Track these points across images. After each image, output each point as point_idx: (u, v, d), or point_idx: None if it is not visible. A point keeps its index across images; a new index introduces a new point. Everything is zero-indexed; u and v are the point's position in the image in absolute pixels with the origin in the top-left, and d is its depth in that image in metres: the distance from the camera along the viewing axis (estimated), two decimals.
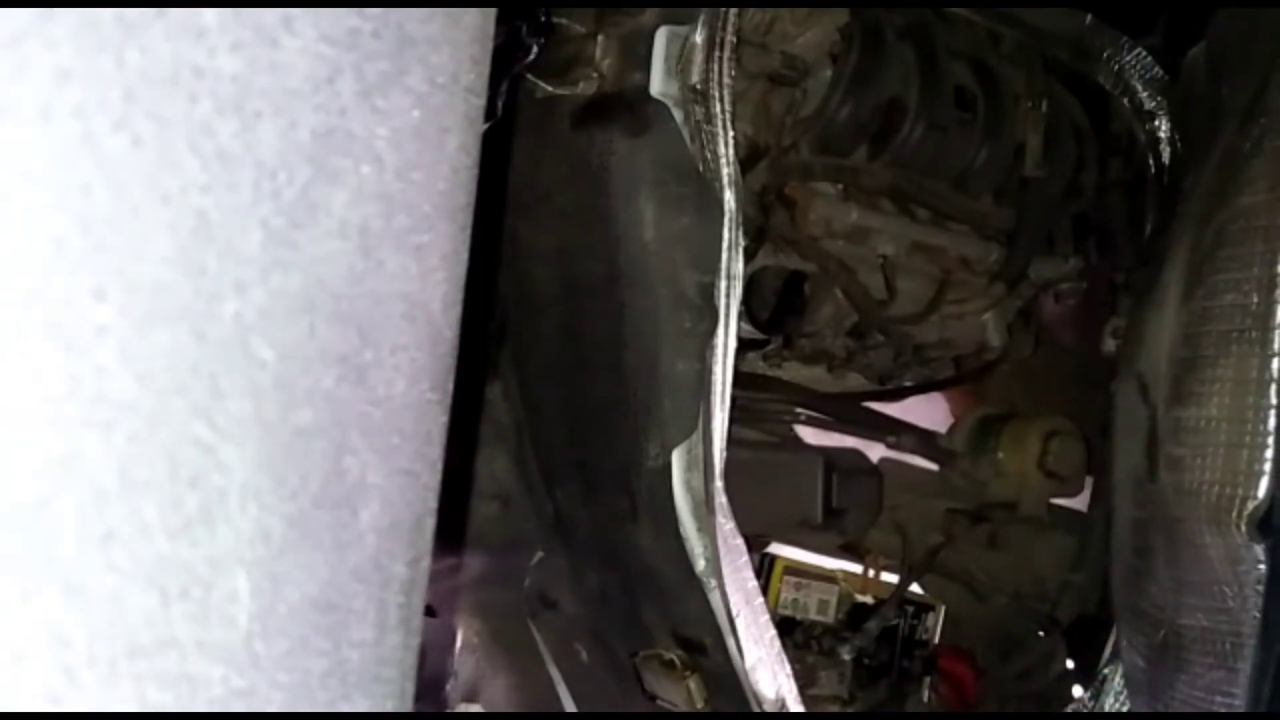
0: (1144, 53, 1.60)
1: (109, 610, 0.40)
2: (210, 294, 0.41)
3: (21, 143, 0.35)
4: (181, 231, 0.39)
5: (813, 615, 1.72)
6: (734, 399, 1.15)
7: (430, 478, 0.60)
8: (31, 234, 0.36)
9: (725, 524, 1.16)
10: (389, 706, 0.59)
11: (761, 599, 1.20)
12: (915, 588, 1.75)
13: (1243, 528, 1.15)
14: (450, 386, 0.61)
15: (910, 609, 1.78)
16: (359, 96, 0.47)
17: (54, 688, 0.39)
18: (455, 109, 0.55)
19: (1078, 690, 1.66)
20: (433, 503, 0.61)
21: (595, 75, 1.18)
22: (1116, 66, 1.60)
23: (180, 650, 0.42)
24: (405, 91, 0.50)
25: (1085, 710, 1.61)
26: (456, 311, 0.60)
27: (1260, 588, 1.15)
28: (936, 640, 1.82)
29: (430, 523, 0.61)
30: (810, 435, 1.58)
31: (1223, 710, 1.20)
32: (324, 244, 0.45)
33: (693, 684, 1.31)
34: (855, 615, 1.72)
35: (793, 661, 1.24)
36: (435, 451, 0.60)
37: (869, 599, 1.74)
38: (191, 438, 0.41)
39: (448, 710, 1.56)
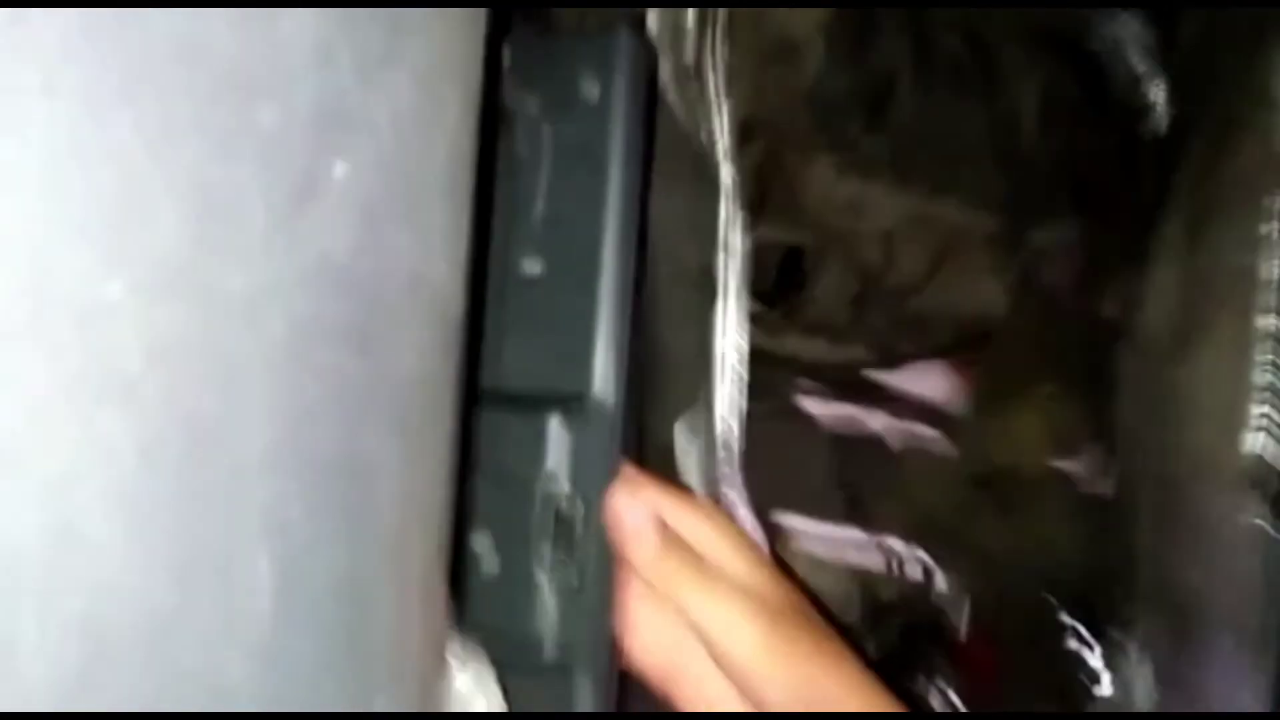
0: (1139, 20, 1.59)
1: (133, 596, 0.40)
2: (218, 269, 0.41)
3: (27, 119, 0.36)
4: (187, 207, 0.40)
5: (824, 591, 1.71)
6: (736, 373, 1.15)
7: (444, 454, 0.60)
8: (41, 211, 0.37)
9: (735, 502, 1.16)
10: (409, 693, 0.59)
11: None
12: (938, 580, 1.74)
13: (1243, 486, 1.15)
14: (458, 362, 0.61)
15: (931, 596, 1.78)
16: (358, 73, 0.47)
17: (77, 677, 0.39)
18: (454, 85, 0.55)
19: (1098, 668, 1.65)
20: (447, 480, 0.61)
21: None
22: (1111, 34, 1.60)
23: (204, 637, 0.43)
24: (404, 68, 0.50)
25: (1108, 691, 1.61)
26: (460, 287, 0.61)
27: (1264, 552, 1.15)
28: (960, 630, 1.81)
29: (446, 499, 0.62)
30: (813, 407, 1.59)
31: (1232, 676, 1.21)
32: (328, 219, 0.46)
33: None
34: (875, 611, 1.71)
35: None
36: (447, 428, 0.61)
37: (889, 594, 1.73)
38: (207, 414, 0.42)
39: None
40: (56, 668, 0.39)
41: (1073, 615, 1.74)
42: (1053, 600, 1.75)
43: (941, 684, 1.71)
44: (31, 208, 0.36)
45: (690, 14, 1.12)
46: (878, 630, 1.64)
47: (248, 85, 0.41)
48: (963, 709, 1.72)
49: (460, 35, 0.58)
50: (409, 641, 0.58)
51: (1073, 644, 1.74)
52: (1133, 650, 1.56)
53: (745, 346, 1.33)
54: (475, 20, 0.60)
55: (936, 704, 1.70)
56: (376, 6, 0.48)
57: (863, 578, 1.72)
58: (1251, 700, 1.19)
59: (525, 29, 1.04)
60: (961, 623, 1.81)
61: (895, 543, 1.72)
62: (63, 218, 0.36)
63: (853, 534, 1.75)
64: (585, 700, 0.86)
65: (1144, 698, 1.55)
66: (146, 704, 0.41)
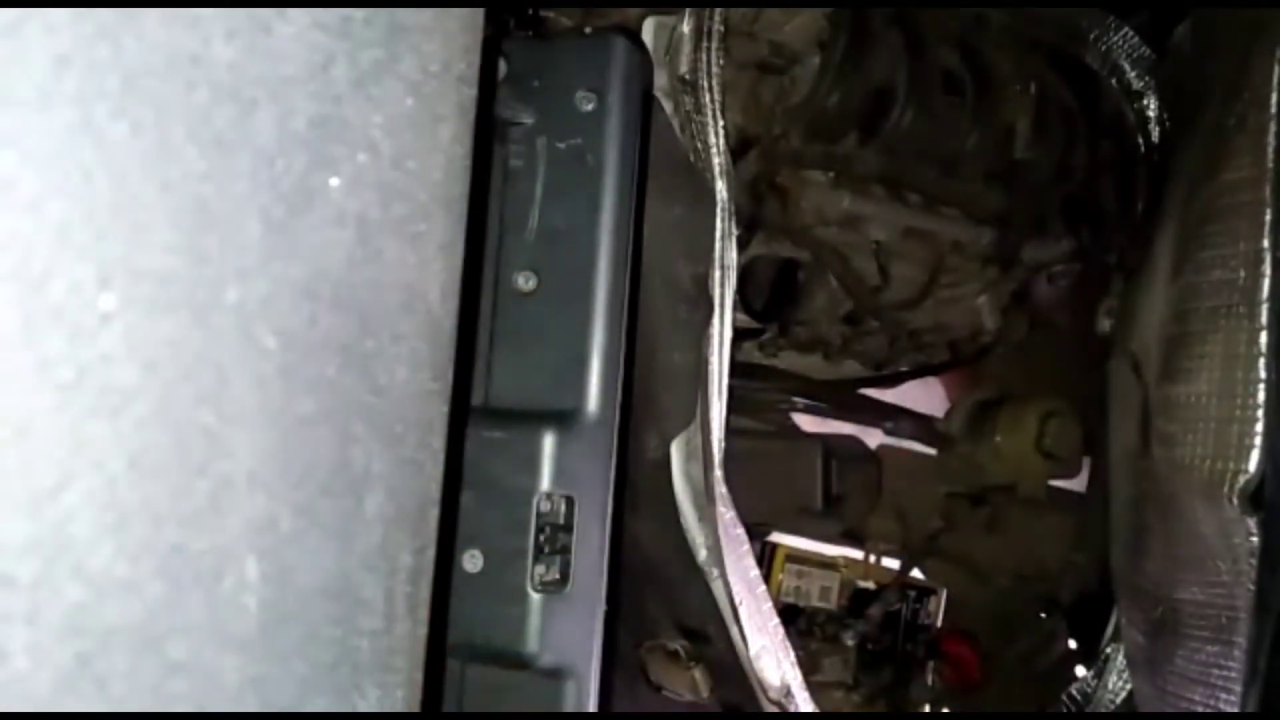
0: (1131, 32, 1.60)
1: (123, 599, 0.40)
2: (213, 282, 0.41)
3: (23, 130, 0.36)
4: (183, 219, 0.40)
5: (815, 602, 1.72)
6: (731, 389, 1.15)
7: (433, 467, 0.61)
8: (36, 222, 0.37)
9: (726, 513, 1.16)
10: (399, 695, 0.59)
11: (764, 587, 1.20)
12: (916, 572, 1.76)
13: (1235, 501, 1.15)
14: (450, 376, 0.61)
15: (912, 594, 1.79)
16: (353, 84, 0.47)
17: (71, 676, 0.40)
18: (448, 98, 0.55)
19: (1081, 670, 1.67)
20: (436, 492, 0.62)
21: None
22: (1104, 47, 1.61)
23: (193, 639, 0.43)
24: (398, 79, 0.50)
25: (1089, 689, 1.62)
26: (454, 301, 0.61)
27: (1253, 560, 1.15)
28: (939, 624, 1.82)
29: (434, 512, 0.62)
30: (808, 423, 1.59)
31: (1219, 683, 1.21)
32: (323, 232, 0.46)
33: (698, 674, 1.31)
34: (857, 601, 1.73)
35: (796, 649, 1.24)
36: (437, 441, 0.61)
37: (871, 585, 1.75)
38: (199, 425, 0.42)
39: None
40: (49, 664, 0.40)
41: (1051, 614, 1.75)
42: (1032, 600, 1.77)
43: (924, 673, 1.73)
44: (25, 219, 0.36)
45: (686, 25, 1.12)
46: (859, 619, 1.65)
47: (245, 96, 0.41)
48: (944, 697, 1.73)
49: (456, 45, 0.58)
50: (396, 644, 0.58)
51: (1050, 639, 1.76)
52: (1107, 641, 1.58)
53: (740, 362, 1.34)
54: (471, 30, 0.60)
55: (919, 692, 1.71)
56: (373, 7, 0.48)
57: (843, 568, 1.73)
58: (1221, 678, 1.19)
59: (520, 39, 1.04)
60: (939, 614, 1.82)
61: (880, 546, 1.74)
62: (56, 230, 0.36)
63: (842, 550, 1.75)
64: (575, 702, 0.87)
65: (1114, 684, 1.57)
66: (139, 696, 0.42)
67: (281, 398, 0.45)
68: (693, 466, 1.17)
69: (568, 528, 0.87)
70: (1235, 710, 1.19)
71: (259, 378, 0.44)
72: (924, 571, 1.78)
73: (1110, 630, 1.58)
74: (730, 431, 1.15)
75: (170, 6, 0.40)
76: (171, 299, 0.40)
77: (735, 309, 1.15)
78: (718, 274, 1.13)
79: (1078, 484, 1.77)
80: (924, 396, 1.75)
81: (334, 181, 0.46)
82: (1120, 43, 1.61)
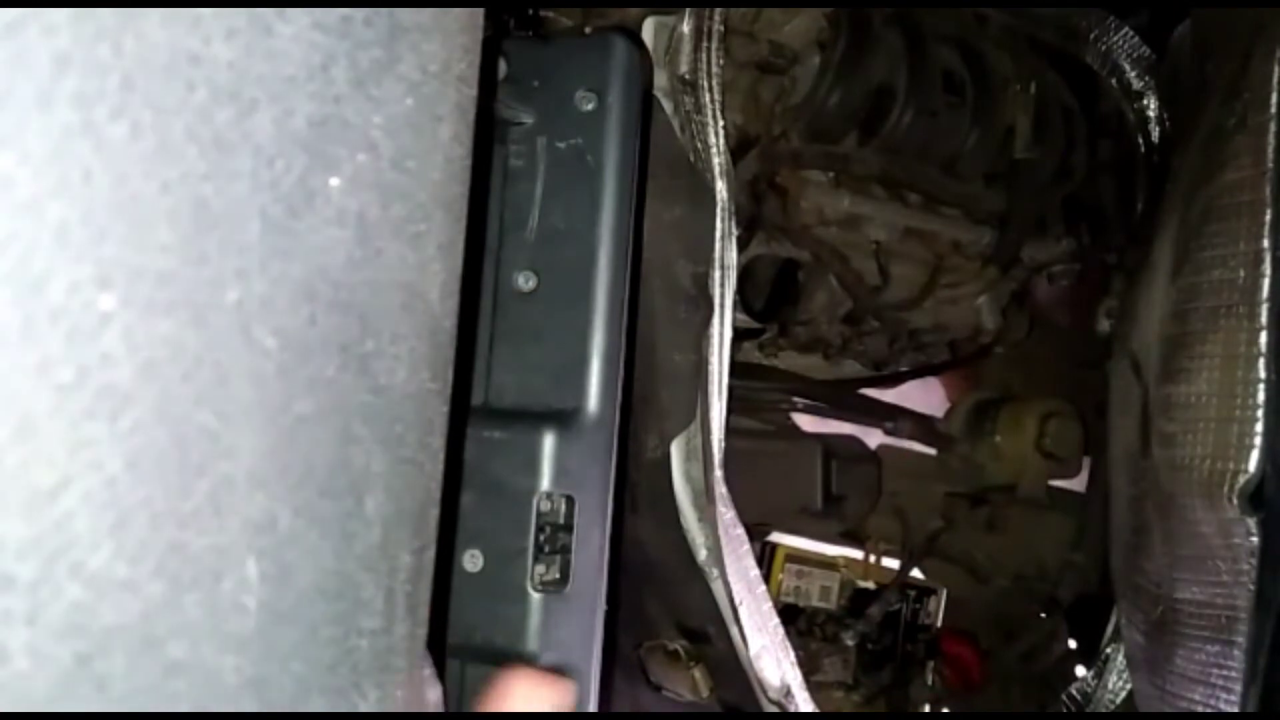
0: (1131, 32, 1.61)
1: (122, 599, 0.40)
2: (212, 282, 0.41)
3: (23, 130, 0.36)
4: (182, 220, 0.40)
5: (815, 602, 1.72)
6: (731, 389, 1.15)
7: (433, 467, 0.60)
8: (36, 222, 0.36)
9: (726, 513, 1.16)
10: (399, 695, 0.59)
11: (764, 587, 1.20)
12: (916, 572, 1.76)
13: (1234, 501, 1.15)
14: (450, 377, 0.61)
15: (912, 593, 1.79)
16: (353, 84, 0.47)
17: (70, 676, 0.39)
18: (448, 98, 0.55)
19: (1081, 670, 1.67)
20: (436, 492, 0.61)
21: None
22: (1104, 47, 1.61)
23: (193, 639, 0.43)
24: (398, 79, 0.50)
25: (1089, 689, 1.62)
26: (454, 302, 0.60)
27: (1253, 560, 1.15)
28: (939, 624, 1.83)
29: (434, 513, 0.62)
30: (808, 423, 1.59)
31: (1219, 682, 1.21)
32: (322, 232, 0.46)
33: (698, 673, 1.31)
34: (857, 601, 1.73)
35: (796, 649, 1.24)
36: (437, 441, 0.61)
37: (871, 585, 1.75)
38: (198, 425, 0.42)
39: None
40: (49, 664, 0.39)
41: (1051, 614, 1.76)
42: (1032, 600, 1.77)
43: (924, 673, 1.73)
44: (25, 219, 0.36)
45: (686, 25, 1.12)
46: (859, 619, 1.65)
47: (245, 96, 0.41)
48: (944, 697, 1.74)
49: (456, 45, 0.58)
50: (395, 644, 0.58)
51: (1050, 639, 1.76)
52: (1107, 641, 1.58)
53: (740, 362, 1.34)
54: (471, 30, 0.60)
55: (919, 692, 1.71)
56: (373, 7, 0.48)
57: (843, 568, 1.74)
58: (1221, 678, 1.20)
59: (520, 39, 1.04)
60: (939, 614, 1.83)
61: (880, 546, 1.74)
62: (56, 230, 0.36)
63: (842, 550, 1.75)
64: (575, 702, 0.87)
65: (1114, 684, 1.57)
66: (138, 696, 0.42)
67: (281, 398, 0.45)
68: (693, 466, 1.17)
69: (568, 527, 0.87)
70: (1235, 710, 1.19)
71: (258, 378, 0.44)
72: (924, 571, 1.78)
73: (1110, 630, 1.59)
74: (730, 431, 1.16)
75: (170, 6, 0.40)
76: (171, 299, 0.40)
77: (735, 309, 1.15)
78: (718, 274, 1.13)
79: (1078, 484, 1.77)
80: (924, 396, 1.75)
81: (334, 181, 0.46)
82: (1120, 43, 1.61)
